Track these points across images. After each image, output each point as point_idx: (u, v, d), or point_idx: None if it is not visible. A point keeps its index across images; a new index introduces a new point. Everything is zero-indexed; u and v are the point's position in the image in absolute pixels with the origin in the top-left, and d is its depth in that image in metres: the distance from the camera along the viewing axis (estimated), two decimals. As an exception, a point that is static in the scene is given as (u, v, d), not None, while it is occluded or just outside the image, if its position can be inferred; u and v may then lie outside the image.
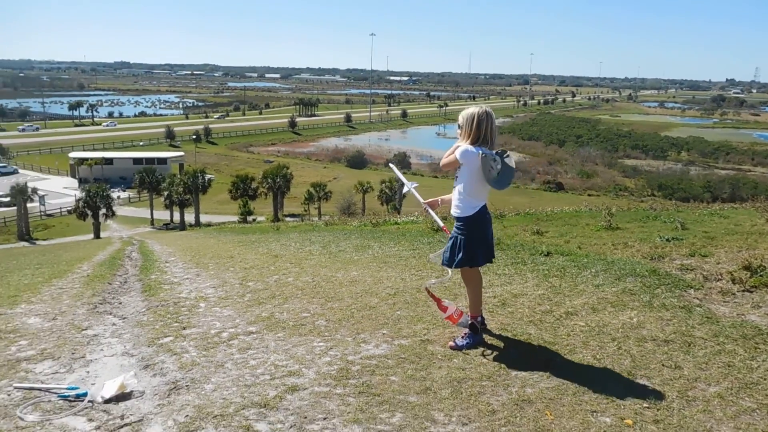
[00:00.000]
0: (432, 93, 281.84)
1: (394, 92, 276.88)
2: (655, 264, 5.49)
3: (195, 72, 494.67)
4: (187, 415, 3.19)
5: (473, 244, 3.84)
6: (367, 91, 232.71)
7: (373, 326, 4.48)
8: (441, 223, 4.52)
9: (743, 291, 4.59)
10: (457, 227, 3.92)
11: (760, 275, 4.70)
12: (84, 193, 48.45)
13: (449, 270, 4.09)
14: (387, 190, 52.90)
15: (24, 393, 3.61)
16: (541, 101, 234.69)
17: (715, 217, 7.95)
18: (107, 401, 3.45)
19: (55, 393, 3.63)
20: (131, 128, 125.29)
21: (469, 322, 4.02)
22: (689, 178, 77.87)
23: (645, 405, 3.04)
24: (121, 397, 3.49)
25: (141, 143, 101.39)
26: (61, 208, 57.33)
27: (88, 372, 4.00)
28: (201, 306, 5.65)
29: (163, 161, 73.87)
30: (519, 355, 3.76)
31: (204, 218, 51.84)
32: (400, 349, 3.96)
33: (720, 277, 4.91)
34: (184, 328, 4.84)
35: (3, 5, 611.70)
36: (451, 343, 3.95)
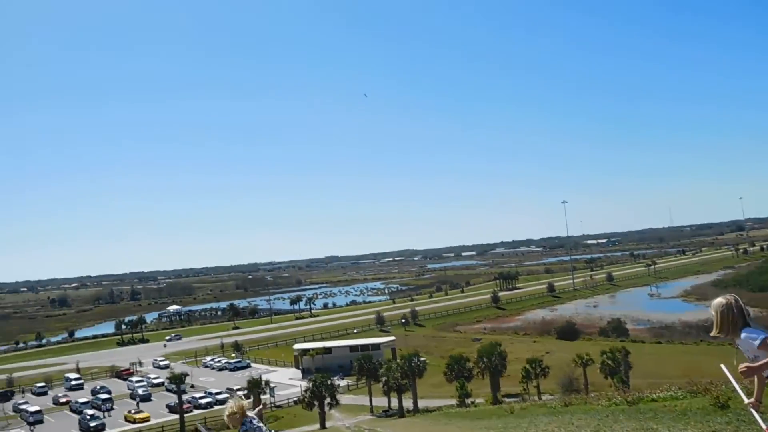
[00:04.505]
0: (635, 252, 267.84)
1: (594, 256, 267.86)
2: None
3: (396, 258, 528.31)
4: None
5: None
6: (566, 258, 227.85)
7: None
8: (764, 425, 4.29)
9: None
10: None
11: None
12: (310, 384, 51.54)
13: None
14: (609, 362, 49.12)
15: None
16: (765, 247, 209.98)
17: None
18: None
19: None
20: (344, 317, 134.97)
21: None
22: None
23: None
24: None
25: (355, 330, 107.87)
26: (288, 399, 61.03)
27: None
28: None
29: (376, 347, 76.83)
30: None
31: (420, 402, 51.91)
32: None
33: None
34: None
35: (232, 224, 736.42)
36: None
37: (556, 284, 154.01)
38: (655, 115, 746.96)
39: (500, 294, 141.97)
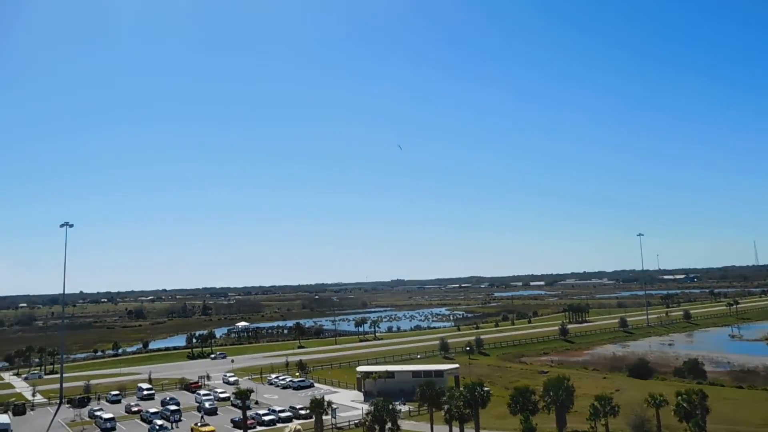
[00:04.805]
0: (715, 290, 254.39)
1: (670, 292, 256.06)
2: None
3: (462, 284, 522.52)
4: None
5: None
6: (640, 293, 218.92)
7: None
8: None
9: None
10: None
11: None
12: (372, 407, 51.37)
13: None
14: (685, 404, 46.48)
15: None
16: None
17: None
18: None
19: None
20: (408, 341, 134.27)
21: None
22: None
23: None
24: None
25: (418, 356, 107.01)
26: (349, 421, 61.00)
27: None
28: None
29: (440, 374, 75.78)
30: None
31: (483, 434, 50.75)
32: None
33: None
34: None
35: (301, 245, 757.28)
36: None
37: (628, 319, 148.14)
38: (740, 142, 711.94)
39: (569, 326, 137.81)
